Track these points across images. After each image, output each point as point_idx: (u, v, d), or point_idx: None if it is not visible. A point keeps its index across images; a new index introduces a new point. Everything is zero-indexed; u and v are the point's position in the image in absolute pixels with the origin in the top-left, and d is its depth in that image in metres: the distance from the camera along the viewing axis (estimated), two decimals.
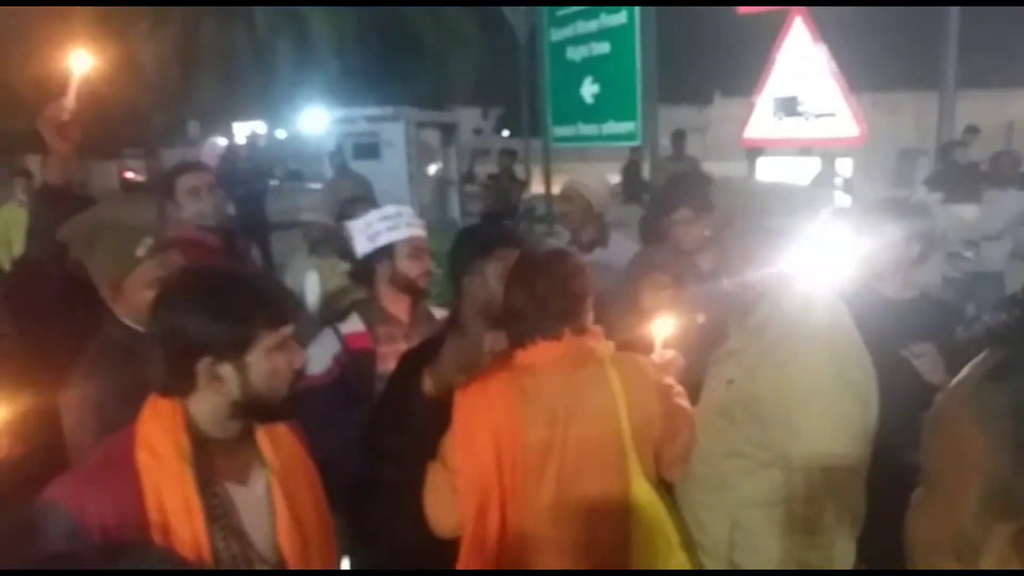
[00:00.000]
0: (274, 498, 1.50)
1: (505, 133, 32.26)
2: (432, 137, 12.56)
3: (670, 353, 2.12)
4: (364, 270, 2.67)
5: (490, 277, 2.29)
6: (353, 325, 2.56)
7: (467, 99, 23.78)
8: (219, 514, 1.41)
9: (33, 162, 11.75)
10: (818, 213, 2.07)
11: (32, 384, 1.94)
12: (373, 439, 2.24)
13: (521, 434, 1.87)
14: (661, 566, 1.92)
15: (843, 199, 4.00)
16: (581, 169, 11.15)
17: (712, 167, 12.21)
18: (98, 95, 2.57)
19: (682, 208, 2.99)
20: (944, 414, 0.67)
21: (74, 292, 2.50)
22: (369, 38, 17.37)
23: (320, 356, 2.45)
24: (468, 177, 12.92)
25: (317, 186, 12.47)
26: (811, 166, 5.08)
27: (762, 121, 5.17)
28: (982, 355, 0.66)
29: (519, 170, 10.75)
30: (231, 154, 11.84)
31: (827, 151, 4.97)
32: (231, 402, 1.43)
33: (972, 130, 9.33)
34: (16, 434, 1.71)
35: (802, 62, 4.87)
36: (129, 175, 19.04)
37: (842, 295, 2.52)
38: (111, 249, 2.06)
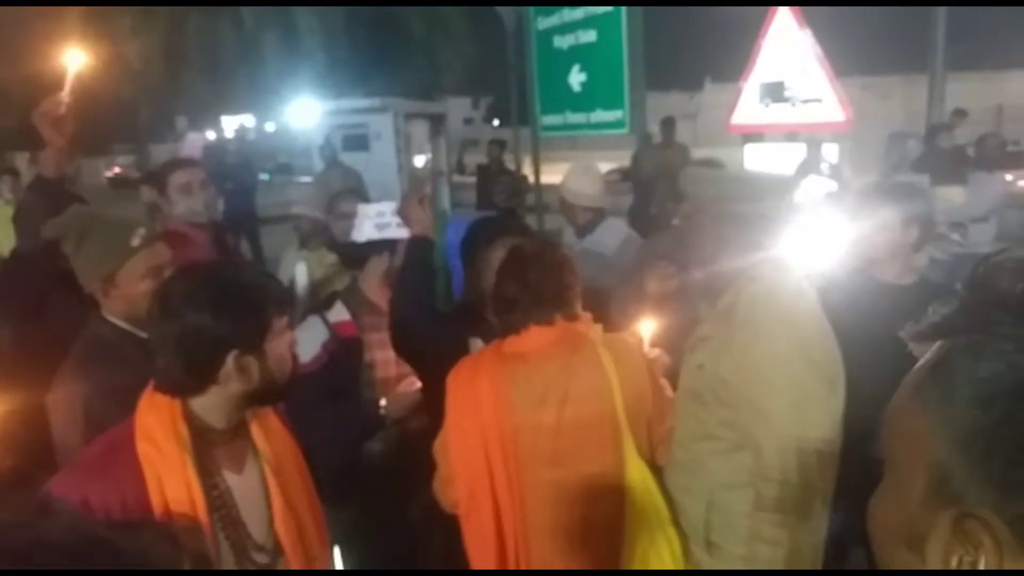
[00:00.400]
0: (269, 486, 1.52)
1: (495, 123, 32.18)
2: (421, 128, 12.52)
3: (656, 352, 2.20)
4: (357, 256, 2.67)
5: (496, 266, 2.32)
6: (339, 314, 2.58)
7: (457, 89, 23.69)
8: (219, 504, 1.42)
9: (20, 160, 11.71)
10: (784, 200, 2.14)
11: (24, 382, 1.95)
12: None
13: (509, 418, 1.93)
14: (651, 541, 1.98)
15: (829, 185, 4.00)
16: (572, 158, 11.15)
17: (703, 153, 12.25)
18: (86, 91, 2.58)
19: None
20: (895, 405, 0.68)
21: (66, 287, 2.50)
22: (356, 29, 17.28)
23: (308, 344, 2.45)
24: (458, 168, 12.89)
25: (307, 179, 12.43)
26: (799, 152, 5.08)
27: (749, 107, 5.18)
28: (934, 347, 0.66)
29: (508, 160, 10.72)
30: (219, 148, 11.78)
31: (814, 136, 4.96)
32: (249, 391, 1.45)
33: (959, 113, 9.33)
34: (4, 433, 1.73)
35: (788, 48, 4.87)
36: (117, 171, 18.96)
37: (836, 280, 2.58)
38: (105, 239, 2.06)
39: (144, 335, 1.72)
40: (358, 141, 11.32)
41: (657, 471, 2.10)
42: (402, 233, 2.59)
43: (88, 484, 1.33)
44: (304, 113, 13.13)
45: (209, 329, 1.39)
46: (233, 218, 8.77)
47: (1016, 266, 0.63)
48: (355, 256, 2.70)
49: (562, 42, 5.56)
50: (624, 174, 12.38)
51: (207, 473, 1.42)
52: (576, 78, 5.49)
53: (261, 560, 1.47)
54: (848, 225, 2.63)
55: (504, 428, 1.94)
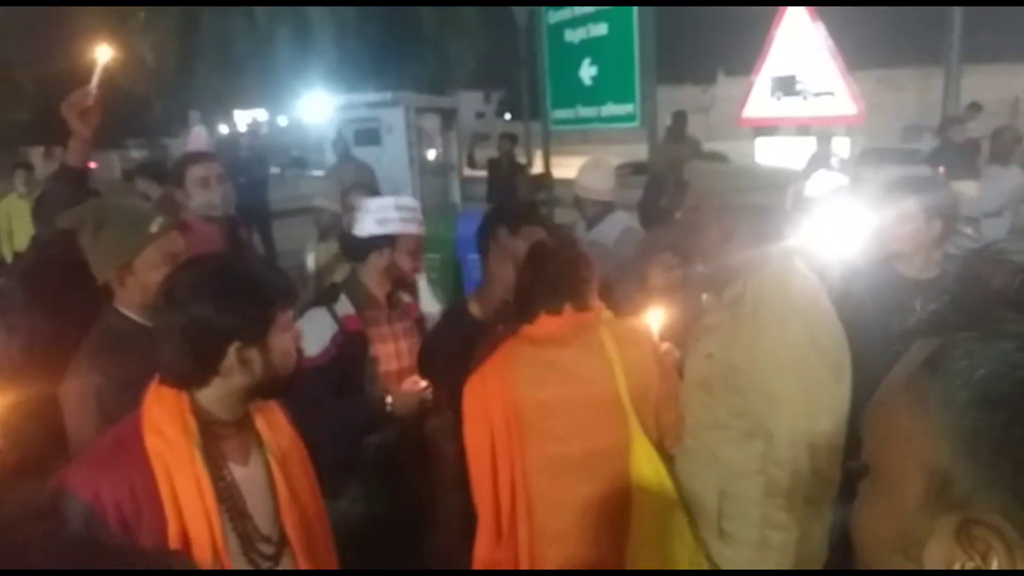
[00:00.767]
0: (274, 478, 1.53)
1: (507, 116, 32.14)
2: (433, 122, 12.53)
3: (666, 345, 2.26)
4: (358, 250, 2.65)
5: (519, 254, 2.41)
6: (346, 307, 2.56)
7: (468, 83, 23.67)
8: (225, 495, 1.43)
9: (35, 154, 11.80)
10: (787, 192, 2.16)
11: (42, 371, 1.97)
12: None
13: (514, 393, 2.03)
14: (661, 524, 2.02)
15: (839, 179, 3.99)
16: (584, 152, 11.13)
17: (716, 147, 12.20)
18: (101, 85, 2.64)
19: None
20: (882, 406, 0.65)
21: (82, 277, 2.58)
22: (368, 24, 17.28)
23: (317, 337, 2.42)
24: (469, 162, 12.90)
25: (320, 173, 12.48)
26: (809, 145, 5.06)
27: (761, 100, 5.16)
28: (916, 345, 0.64)
29: (519, 154, 10.71)
30: (231, 143, 11.84)
31: (826, 130, 4.94)
32: (251, 384, 1.45)
33: (974, 107, 9.25)
34: (12, 423, 1.75)
35: (800, 41, 4.84)
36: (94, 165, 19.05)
37: (858, 272, 2.63)
38: (124, 227, 2.08)
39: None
40: (370, 135, 11.33)
41: (668, 458, 2.13)
42: (404, 228, 2.60)
43: (98, 477, 1.34)
44: (316, 107, 13.16)
45: (212, 320, 1.39)
46: (245, 212, 8.81)
47: (1010, 261, 0.62)
48: (356, 249, 2.67)
49: (573, 36, 5.54)
50: (636, 168, 12.35)
51: (214, 465, 1.43)
52: (587, 72, 5.48)
53: (267, 551, 1.48)
54: (870, 217, 2.63)
55: (508, 403, 2.02)
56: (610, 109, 5.38)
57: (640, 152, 5.72)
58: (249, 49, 17.21)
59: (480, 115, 37.53)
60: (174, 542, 1.31)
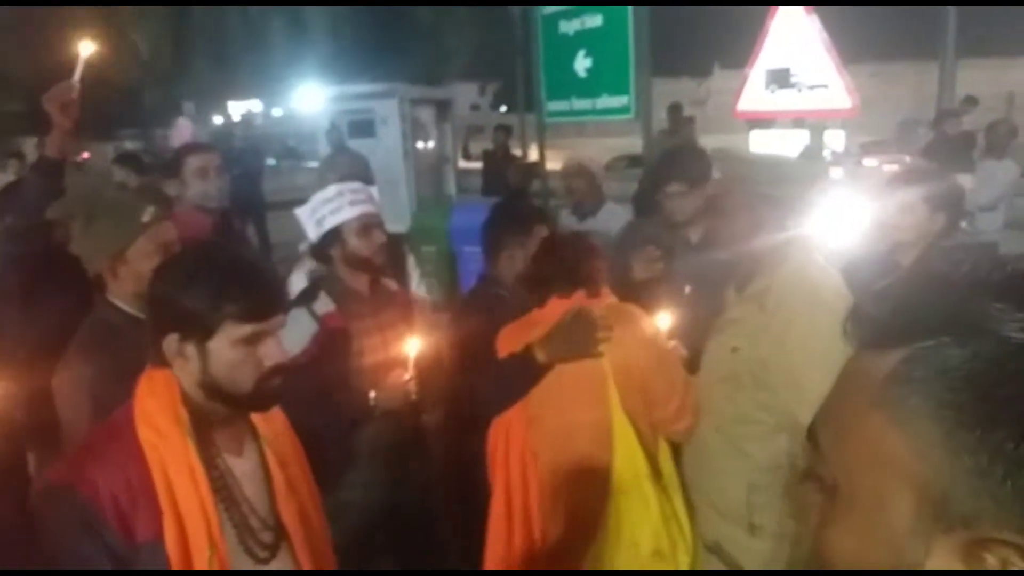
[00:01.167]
0: (270, 468, 1.53)
1: (503, 109, 32.10)
2: (427, 114, 12.50)
3: (672, 343, 2.36)
4: (321, 252, 2.66)
5: (528, 251, 2.63)
6: (326, 305, 2.55)
7: (463, 75, 23.61)
8: (220, 485, 1.42)
9: (28, 145, 11.75)
10: (813, 184, 2.14)
11: (15, 362, 1.97)
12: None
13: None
14: (628, 492, 2.16)
15: (834, 171, 4.01)
16: (580, 144, 11.13)
17: (711, 140, 12.20)
18: (93, 76, 2.65)
19: (675, 182, 3.01)
20: (849, 429, 0.59)
21: (57, 266, 2.55)
22: (363, 15, 17.22)
23: (296, 338, 2.38)
24: (464, 154, 12.88)
25: (314, 164, 12.44)
26: (802, 138, 5.07)
27: (755, 93, 5.16)
28: (861, 358, 0.60)
29: (514, 146, 10.69)
30: (226, 133, 11.80)
31: (822, 123, 4.95)
32: (196, 383, 1.42)
33: (970, 100, 9.27)
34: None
35: (795, 34, 4.84)
36: (86, 155, 19.01)
37: (858, 262, 2.59)
38: (116, 217, 2.08)
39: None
40: (364, 127, 11.29)
41: (651, 441, 2.24)
42: (338, 217, 2.56)
43: (94, 470, 1.33)
44: (311, 99, 13.12)
45: (161, 303, 1.42)
46: (240, 203, 8.78)
47: (965, 248, 0.60)
48: (319, 255, 2.69)
49: (568, 27, 5.52)
50: (632, 161, 12.36)
51: (207, 455, 1.42)
52: (582, 64, 5.45)
53: (264, 539, 1.47)
54: (873, 208, 2.64)
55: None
56: (605, 101, 5.36)
57: (635, 145, 5.73)
58: (243, 40, 17.16)
59: (475, 107, 37.40)
60: (170, 532, 1.31)
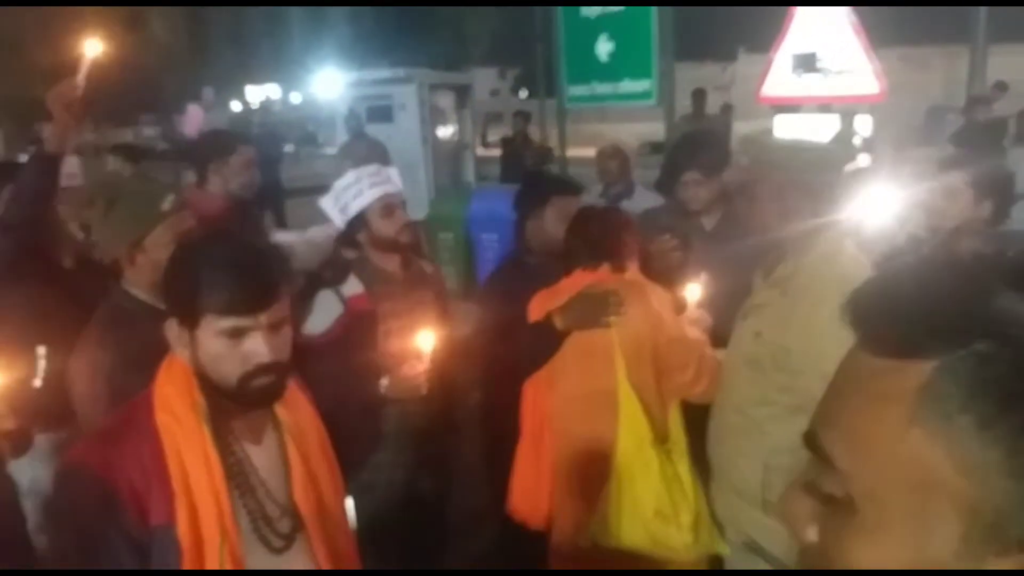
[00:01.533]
0: (289, 457, 1.52)
1: (523, 94, 31.98)
2: (447, 99, 12.44)
3: (700, 312, 2.48)
4: (349, 238, 2.68)
5: (548, 221, 2.79)
6: (353, 287, 2.58)
7: (483, 60, 23.54)
8: (235, 471, 1.42)
9: (48, 131, 11.83)
10: (842, 170, 2.15)
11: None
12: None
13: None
14: (631, 456, 2.31)
15: (862, 157, 3.93)
16: (600, 130, 11.02)
17: (736, 126, 12.07)
18: (111, 62, 2.65)
19: (691, 170, 2.99)
20: (873, 437, 0.53)
21: (39, 262, 2.64)
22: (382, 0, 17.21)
23: (322, 317, 2.52)
24: (482, 141, 12.83)
25: (333, 151, 12.44)
26: (832, 123, 4.97)
27: (781, 77, 5.06)
28: (879, 369, 0.53)
29: (533, 132, 10.63)
30: (245, 119, 11.84)
31: (848, 108, 4.85)
32: (193, 371, 1.42)
33: (1001, 86, 9.09)
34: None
35: (822, 17, 4.75)
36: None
37: (903, 249, 2.61)
38: (136, 204, 2.09)
39: (163, 307, 1.71)
40: (383, 112, 11.27)
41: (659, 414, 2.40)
42: (361, 202, 2.59)
43: (111, 452, 1.34)
44: (329, 84, 13.11)
45: (165, 288, 1.44)
46: (259, 190, 8.80)
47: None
48: (346, 243, 2.71)
49: (590, 11, 5.47)
50: (654, 147, 12.24)
51: (223, 442, 1.42)
52: (604, 47, 5.40)
53: (281, 529, 1.46)
54: (911, 194, 2.62)
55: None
56: (627, 86, 5.32)
57: (657, 131, 5.65)
58: (262, 26, 17.20)
59: (495, 92, 37.23)
60: (182, 517, 1.31)
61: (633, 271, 2.46)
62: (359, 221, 2.61)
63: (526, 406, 2.53)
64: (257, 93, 18.59)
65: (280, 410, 1.54)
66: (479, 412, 2.92)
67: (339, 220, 2.65)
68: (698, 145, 3.14)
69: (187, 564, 1.31)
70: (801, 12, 4.85)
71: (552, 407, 2.44)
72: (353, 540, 1.72)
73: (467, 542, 3.15)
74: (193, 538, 1.32)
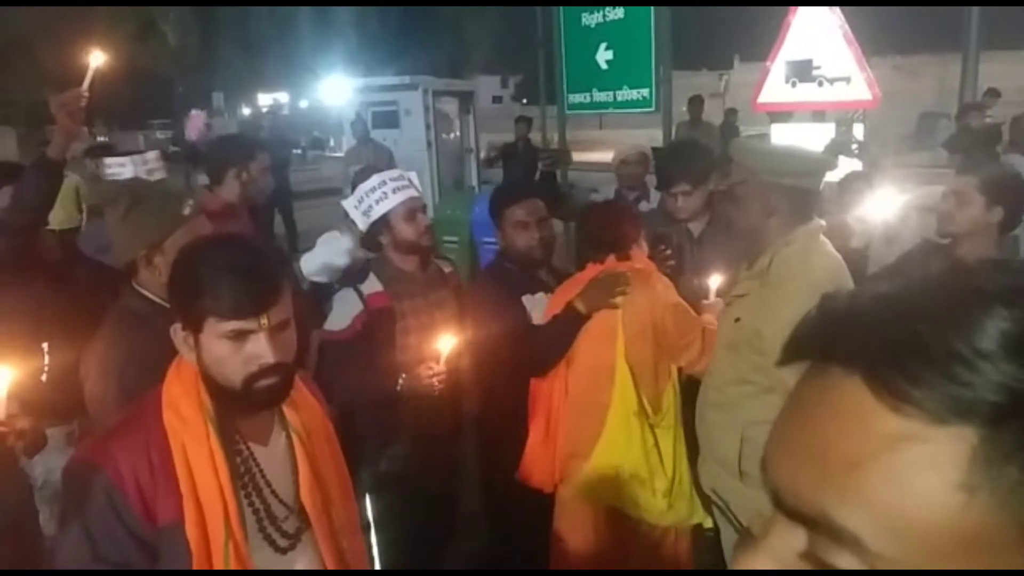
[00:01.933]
0: (296, 457, 1.53)
1: (523, 101, 32.07)
2: (451, 105, 12.60)
3: (717, 300, 2.73)
4: (371, 239, 2.77)
5: (507, 231, 2.90)
6: (373, 285, 2.65)
7: (486, 67, 23.67)
8: (242, 471, 1.43)
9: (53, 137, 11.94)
10: (822, 174, 2.33)
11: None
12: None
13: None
14: (617, 425, 2.57)
15: (855, 164, 4.04)
16: (600, 137, 11.15)
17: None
18: (123, 67, 2.75)
19: (680, 182, 3.19)
20: (915, 506, 0.44)
21: (38, 264, 2.71)
22: (387, 8, 17.34)
23: (342, 314, 2.60)
24: (487, 163, 12.90)
25: (339, 155, 12.58)
26: (827, 131, 5.08)
27: (776, 86, 5.18)
28: (916, 434, 0.44)
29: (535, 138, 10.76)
30: (254, 123, 11.99)
31: (842, 116, 4.96)
32: (200, 372, 1.43)
33: (993, 93, 9.20)
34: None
35: (817, 26, 4.87)
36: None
37: (913, 253, 2.78)
38: (158, 208, 2.12)
39: None
40: (388, 118, 11.42)
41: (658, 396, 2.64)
42: (384, 205, 2.65)
43: (118, 450, 1.35)
44: (336, 90, 13.25)
45: (170, 293, 1.47)
46: (268, 193, 8.93)
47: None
48: (368, 245, 2.80)
49: (590, 19, 5.58)
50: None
51: (230, 441, 1.43)
52: (603, 56, 5.52)
53: (287, 528, 1.49)
54: (931, 199, 2.72)
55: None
56: (626, 93, 5.41)
57: (654, 138, 5.77)
58: (271, 32, 17.33)
59: (497, 99, 37.43)
60: (189, 516, 1.33)
61: (639, 258, 2.71)
62: (382, 224, 2.69)
63: (541, 389, 2.73)
64: (267, 99, 18.73)
65: (287, 410, 1.56)
66: (484, 409, 2.97)
67: (362, 223, 2.72)
68: (686, 157, 3.30)
69: (195, 563, 1.32)
70: (796, 21, 4.96)
71: (567, 380, 2.69)
72: (361, 539, 1.72)
73: (472, 541, 3.20)
74: (200, 538, 1.33)
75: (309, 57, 17.03)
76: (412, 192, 2.72)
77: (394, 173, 2.77)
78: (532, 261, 2.89)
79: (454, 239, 7.04)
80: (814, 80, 4.92)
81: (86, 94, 2.61)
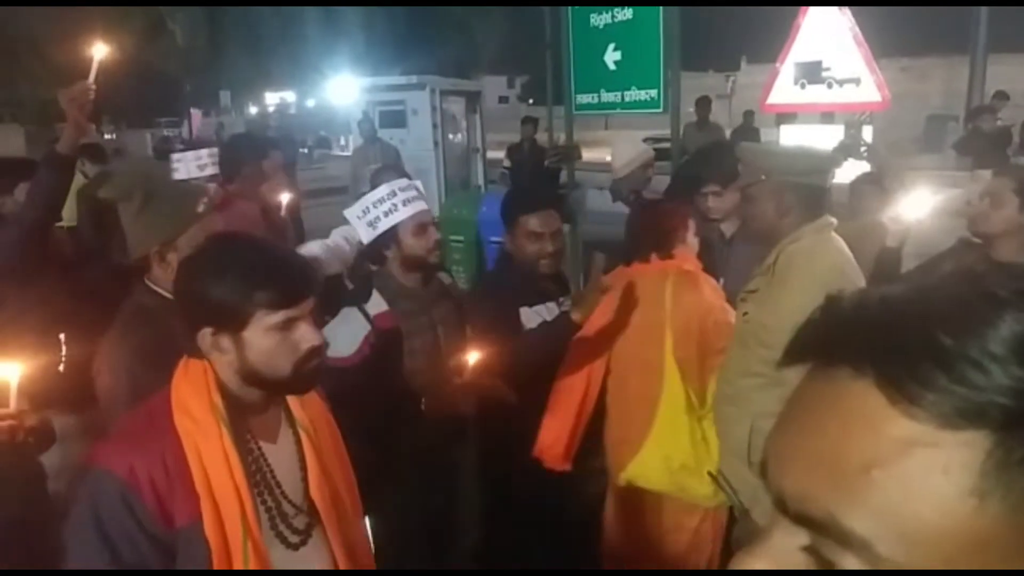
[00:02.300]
0: (305, 454, 1.55)
1: (530, 101, 32.10)
2: (457, 105, 12.61)
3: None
4: (375, 253, 2.62)
5: (518, 239, 2.82)
6: (378, 304, 2.49)
7: (492, 68, 23.70)
8: (253, 470, 1.44)
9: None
10: (831, 173, 2.38)
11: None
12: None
13: (600, 320, 2.73)
14: (670, 419, 2.68)
15: (864, 166, 4.04)
16: (605, 137, 11.16)
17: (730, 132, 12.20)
18: (132, 66, 2.77)
19: (711, 183, 3.23)
20: (925, 510, 0.44)
21: (43, 263, 2.71)
22: (395, 8, 17.38)
23: (349, 339, 2.41)
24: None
25: (346, 154, 12.61)
26: (835, 133, 5.07)
27: (785, 87, 5.18)
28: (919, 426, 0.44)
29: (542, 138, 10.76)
30: (260, 122, 12.03)
31: (850, 118, 4.96)
32: (234, 371, 1.45)
33: (1001, 96, 9.17)
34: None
35: (826, 28, 4.86)
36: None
37: (947, 252, 2.82)
38: (173, 203, 2.11)
39: None
40: (396, 117, 11.44)
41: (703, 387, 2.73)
42: (394, 218, 2.51)
43: (132, 453, 1.35)
44: (343, 89, 13.29)
45: (192, 299, 1.43)
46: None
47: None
48: (372, 257, 2.68)
49: (598, 20, 5.58)
50: (659, 155, 12.36)
51: (241, 440, 1.43)
52: (611, 56, 5.52)
53: (298, 525, 1.50)
54: (966, 199, 2.73)
55: (596, 325, 2.75)
56: (634, 94, 5.40)
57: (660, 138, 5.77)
58: (278, 31, 17.37)
59: (503, 99, 37.44)
60: (207, 517, 1.34)
61: (684, 257, 2.77)
62: (389, 237, 2.52)
63: (571, 359, 2.80)
64: (273, 98, 18.79)
65: (294, 407, 1.58)
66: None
67: (366, 235, 2.55)
68: (716, 158, 3.35)
69: (215, 563, 1.33)
70: (806, 22, 4.97)
71: (612, 365, 2.83)
72: (365, 531, 1.73)
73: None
74: (219, 538, 1.34)
75: (316, 57, 17.07)
76: (422, 204, 2.58)
77: (403, 183, 2.62)
78: (538, 273, 2.80)
79: (460, 238, 7.04)
80: (823, 82, 4.92)
81: (93, 87, 2.63)
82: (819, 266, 2.21)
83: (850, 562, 0.45)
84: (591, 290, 2.61)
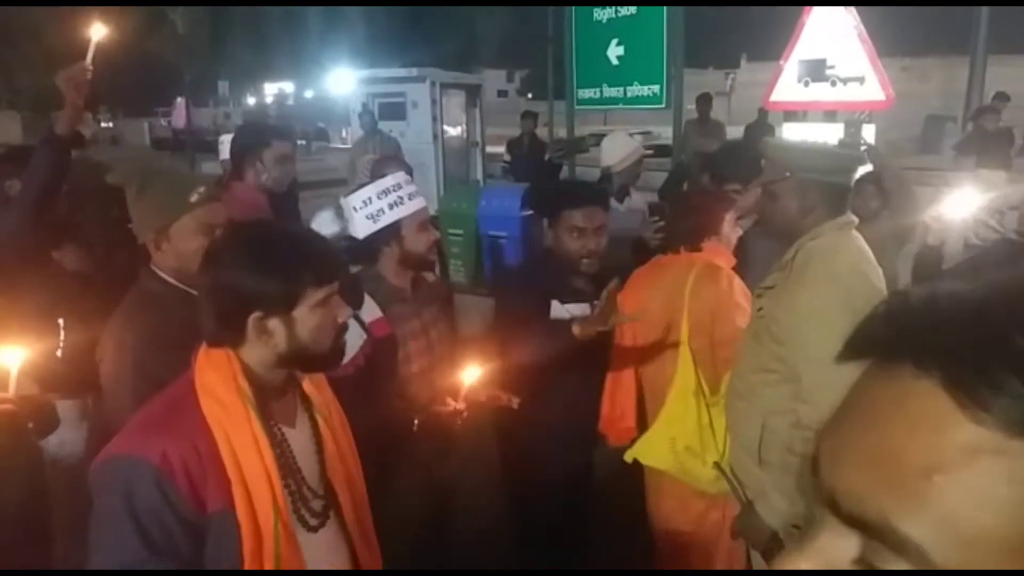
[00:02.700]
0: (322, 436, 1.57)
1: (529, 96, 32.08)
2: (457, 98, 12.60)
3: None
4: (367, 249, 2.46)
5: (561, 233, 2.72)
6: (372, 311, 2.37)
7: (492, 61, 23.67)
8: (277, 453, 1.45)
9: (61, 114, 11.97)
10: (855, 171, 2.35)
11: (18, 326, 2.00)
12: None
13: (630, 304, 2.75)
14: (679, 401, 2.74)
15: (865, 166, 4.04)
16: (604, 132, 11.17)
17: (735, 132, 12.22)
18: (131, 55, 2.76)
19: (732, 182, 3.28)
20: (983, 517, 0.42)
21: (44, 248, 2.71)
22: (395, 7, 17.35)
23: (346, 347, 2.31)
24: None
25: (346, 146, 12.59)
26: (837, 132, 5.07)
27: (789, 85, 5.17)
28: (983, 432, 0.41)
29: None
30: (259, 112, 12.00)
31: (852, 116, 4.95)
32: (278, 354, 1.46)
33: (1002, 97, 9.17)
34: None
35: (831, 26, 4.86)
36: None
37: (992, 248, 2.83)
38: (164, 192, 2.09)
39: (192, 291, 1.74)
40: (395, 109, 11.42)
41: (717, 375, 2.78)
42: (399, 212, 2.40)
43: (163, 440, 1.34)
44: (342, 81, 13.26)
45: (235, 288, 1.41)
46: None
47: None
48: (364, 252, 2.51)
49: (602, 15, 5.58)
50: (658, 150, 12.37)
51: (267, 425, 1.44)
52: (614, 52, 5.51)
53: (316, 507, 1.52)
54: (1013, 198, 2.74)
55: (626, 305, 2.74)
56: (636, 90, 5.41)
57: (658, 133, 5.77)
58: (278, 22, 17.33)
59: (502, 93, 37.36)
60: (240, 501, 1.35)
61: (714, 250, 2.83)
62: (389, 232, 2.40)
63: (621, 342, 2.89)
64: (272, 88, 18.74)
65: (309, 390, 1.60)
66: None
67: (364, 227, 2.41)
68: (737, 158, 3.42)
69: (247, 547, 1.34)
70: (811, 21, 4.96)
71: (642, 349, 2.92)
72: (370, 514, 1.73)
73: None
74: (251, 521, 1.35)
75: (316, 49, 17.05)
76: (424, 201, 2.49)
77: (406, 176, 2.52)
78: (577, 270, 2.71)
79: (459, 232, 7.01)
80: (827, 80, 4.92)
81: (91, 67, 2.62)
82: (837, 264, 2.18)
83: (898, 564, 0.43)
84: (599, 315, 2.40)
